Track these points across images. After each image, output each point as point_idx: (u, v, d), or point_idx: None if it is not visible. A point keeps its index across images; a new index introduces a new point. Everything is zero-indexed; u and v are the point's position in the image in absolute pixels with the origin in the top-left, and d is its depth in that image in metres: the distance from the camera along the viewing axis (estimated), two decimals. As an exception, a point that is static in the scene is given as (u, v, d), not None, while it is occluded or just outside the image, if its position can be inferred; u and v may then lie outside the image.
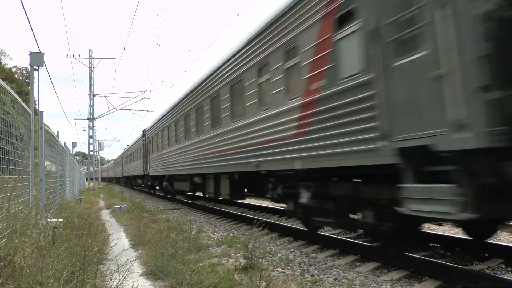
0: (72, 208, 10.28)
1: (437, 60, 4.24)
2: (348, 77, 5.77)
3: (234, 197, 11.58)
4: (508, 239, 7.91)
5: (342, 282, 5.36)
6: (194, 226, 10.47)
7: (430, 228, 9.18)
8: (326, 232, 8.62)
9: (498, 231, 7.44)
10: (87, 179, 43.65)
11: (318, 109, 6.50)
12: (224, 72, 11.09)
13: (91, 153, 41.21)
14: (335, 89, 6.04)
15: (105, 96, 37.48)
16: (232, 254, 7.12)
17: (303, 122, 6.95)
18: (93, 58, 38.03)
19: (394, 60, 4.82)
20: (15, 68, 62.56)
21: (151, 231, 8.95)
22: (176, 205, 17.33)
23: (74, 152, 30.74)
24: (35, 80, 8.13)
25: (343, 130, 5.82)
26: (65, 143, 16.00)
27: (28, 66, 8.11)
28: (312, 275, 5.70)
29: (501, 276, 5.03)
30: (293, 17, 7.36)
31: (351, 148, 5.66)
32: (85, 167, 51.01)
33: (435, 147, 4.24)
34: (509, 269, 5.68)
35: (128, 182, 43.61)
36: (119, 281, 4.29)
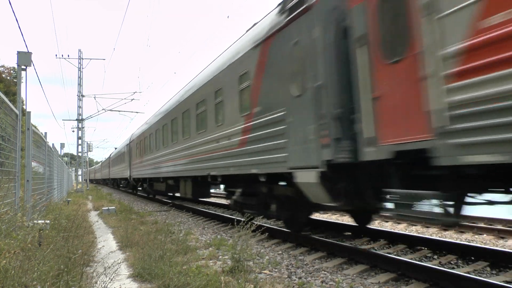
0: (59, 210, 10.17)
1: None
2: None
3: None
4: (494, 243, 8.02)
5: (330, 284, 5.38)
6: (182, 228, 10.43)
7: (418, 232, 9.27)
8: (315, 235, 8.65)
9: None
10: (85, 180, 43.31)
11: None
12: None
13: (80, 154, 40.85)
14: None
15: (94, 97, 37.27)
16: (220, 257, 7.11)
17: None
18: (82, 59, 37.74)
19: None
20: (2, 68, 61.57)
21: (138, 233, 8.90)
22: (165, 207, 17.24)
23: (62, 153, 30.44)
24: (23, 80, 8.05)
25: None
26: (53, 144, 15.86)
27: (15, 66, 8.02)
28: (300, 278, 5.71)
29: (486, 279, 5.08)
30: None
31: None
32: (73, 169, 50.57)
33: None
34: (494, 271, 5.75)
35: (115, 183, 43.79)
36: (105, 283, 4.26)
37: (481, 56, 3.75)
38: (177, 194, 22.18)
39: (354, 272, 5.91)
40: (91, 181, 72.86)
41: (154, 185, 21.15)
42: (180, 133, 14.56)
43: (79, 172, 44.98)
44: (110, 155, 44.94)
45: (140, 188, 27.33)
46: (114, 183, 45.38)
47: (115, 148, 43.70)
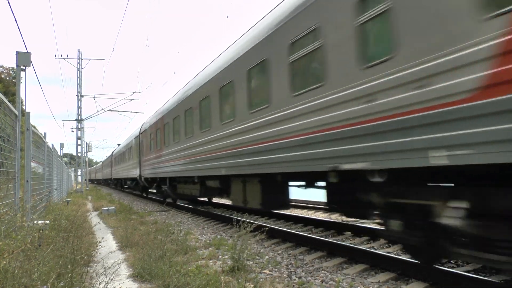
0: (59, 210, 10.17)
1: None
2: None
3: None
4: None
5: (330, 284, 5.39)
6: (182, 228, 10.43)
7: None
8: (315, 235, 8.64)
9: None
10: (85, 180, 43.25)
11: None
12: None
13: (79, 154, 40.86)
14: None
15: (94, 97, 37.28)
16: (220, 256, 7.11)
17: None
18: (81, 59, 37.76)
19: None
20: (1, 68, 61.73)
21: (138, 233, 8.91)
22: (164, 207, 17.23)
23: (61, 154, 30.43)
24: (22, 80, 8.05)
25: None
26: (52, 145, 15.85)
27: (14, 66, 8.02)
28: (300, 277, 5.72)
29: (485, 277, 5.09)
30: None
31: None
32: (73, 169, 50.65)
33: None
34: (493, 270, 5.75)
35: (118, 184, 42.68)
36: (106, 283, 4.27)
37: None
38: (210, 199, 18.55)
39: (354, 272, 5.92)
40: (91, 181, 72.78)
41: (179, 186, 15.84)
42: (240, 106, 8.97)
43: (79, 172, 45.03)
44: (113, 152, 43.62)
45: (155, 190, 21.99)
46: (118, 184, 42.64)
47: (118, 145, 40.61)
